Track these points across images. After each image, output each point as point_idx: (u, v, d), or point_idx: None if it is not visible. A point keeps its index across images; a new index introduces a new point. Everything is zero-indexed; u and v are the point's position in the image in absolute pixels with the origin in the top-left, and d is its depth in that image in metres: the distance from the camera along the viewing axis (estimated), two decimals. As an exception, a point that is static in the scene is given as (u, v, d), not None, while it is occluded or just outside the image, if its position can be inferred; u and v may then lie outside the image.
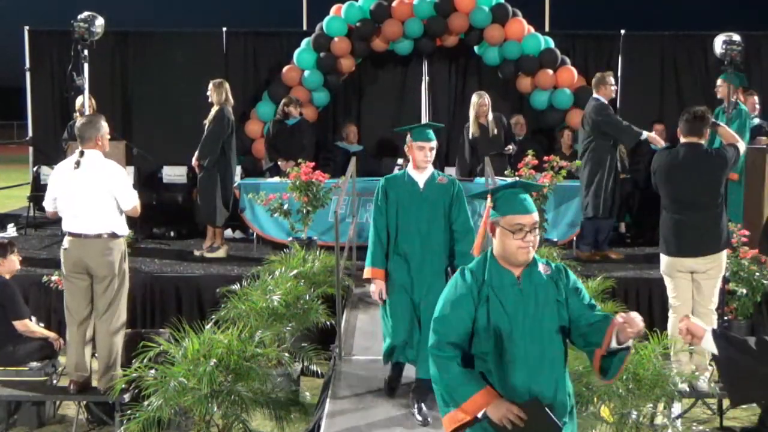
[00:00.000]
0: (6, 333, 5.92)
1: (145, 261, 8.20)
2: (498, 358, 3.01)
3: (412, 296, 5.03)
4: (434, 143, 5.07)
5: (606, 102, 8.07)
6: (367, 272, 5.14)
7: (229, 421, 4.70)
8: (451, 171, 9.59)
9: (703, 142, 5.65)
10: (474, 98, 9.21)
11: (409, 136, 5.10)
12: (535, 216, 3.06)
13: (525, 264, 3.06)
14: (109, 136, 5.61)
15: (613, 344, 2.91)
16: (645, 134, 7.92)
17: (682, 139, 5.69)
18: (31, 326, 6.05)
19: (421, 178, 5.08)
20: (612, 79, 8.18)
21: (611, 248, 8.53)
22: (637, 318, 2.86)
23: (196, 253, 8.59)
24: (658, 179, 5.80)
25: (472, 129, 9.16)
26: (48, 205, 5.60)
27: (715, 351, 2.84)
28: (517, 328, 3.01)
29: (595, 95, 8.10)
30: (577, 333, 3.06)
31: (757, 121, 8.86)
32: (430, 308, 4.62)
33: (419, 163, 5.07)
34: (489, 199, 3.12)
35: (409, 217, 5.04)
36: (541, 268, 3.10)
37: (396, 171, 9.63)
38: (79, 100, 8.51)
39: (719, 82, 7.93)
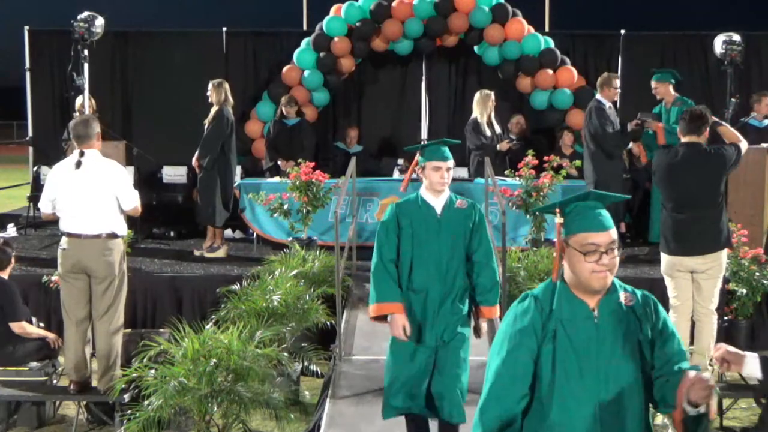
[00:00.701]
0: (5, 333, 5.92)
1: (145, 261, 8.19)
2: (564, 411, 2.49)
3: (428, 338, 4.31)
4: (451, 162, 4.38)
5: (606, 104, 7.97)
6: (377, 309, 4.31)
7: (229, 421, 4.71)
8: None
9: (702, 141, 5.66)
10: (483, 97, 9.05)
11: (419, 155, 4.44)
12: (613, 233, 2.53)
13: (601, 291, 2.54)
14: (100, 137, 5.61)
15: (686, 407, 2.39)
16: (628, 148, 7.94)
17: (682, 139, 5.70)
18: (28, 328, 6.03)
19: (437, 202, 4.37)
20: (617, 82, 8.07)
21: (611, 248, 8.49)
22: (707, 379, 2.39)
23: (196, 253, 8.58)
24: (658, 179, 5.82)
25: (486, 128, 9.07)
26: (45, 207, 5.54)
27: (760, 376, 2.66)
28: (589, 372, 2.49)
29: (597, 96, 8.02)
30: (656, 388, 2.53)
31: (767, 122, 8.87)
32: (451, 350, 4.30)
33: (435, 186, 4.35)
34: (558, 215, 2.60)
35: (425, 249, 4.33)
36: (622, 297, 2.57)
37: (396, 171, 9.63)
38: (79, 100, 8.51)
39: (654, 84, 7.91)
